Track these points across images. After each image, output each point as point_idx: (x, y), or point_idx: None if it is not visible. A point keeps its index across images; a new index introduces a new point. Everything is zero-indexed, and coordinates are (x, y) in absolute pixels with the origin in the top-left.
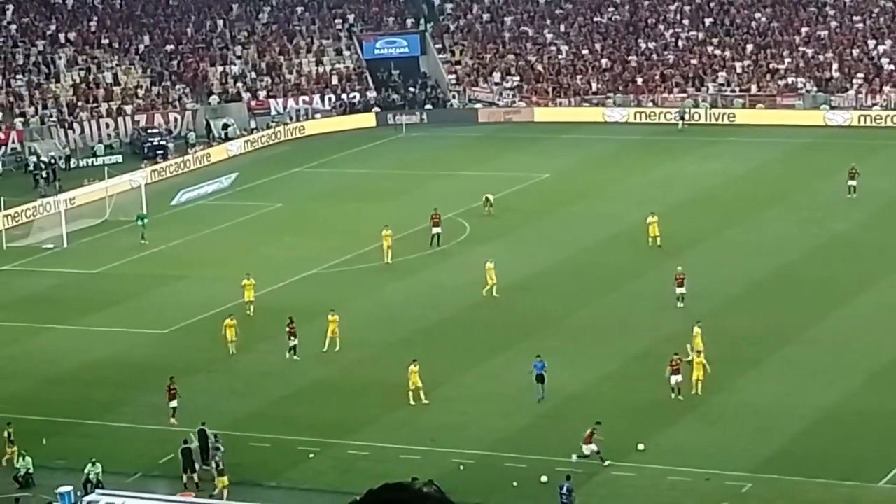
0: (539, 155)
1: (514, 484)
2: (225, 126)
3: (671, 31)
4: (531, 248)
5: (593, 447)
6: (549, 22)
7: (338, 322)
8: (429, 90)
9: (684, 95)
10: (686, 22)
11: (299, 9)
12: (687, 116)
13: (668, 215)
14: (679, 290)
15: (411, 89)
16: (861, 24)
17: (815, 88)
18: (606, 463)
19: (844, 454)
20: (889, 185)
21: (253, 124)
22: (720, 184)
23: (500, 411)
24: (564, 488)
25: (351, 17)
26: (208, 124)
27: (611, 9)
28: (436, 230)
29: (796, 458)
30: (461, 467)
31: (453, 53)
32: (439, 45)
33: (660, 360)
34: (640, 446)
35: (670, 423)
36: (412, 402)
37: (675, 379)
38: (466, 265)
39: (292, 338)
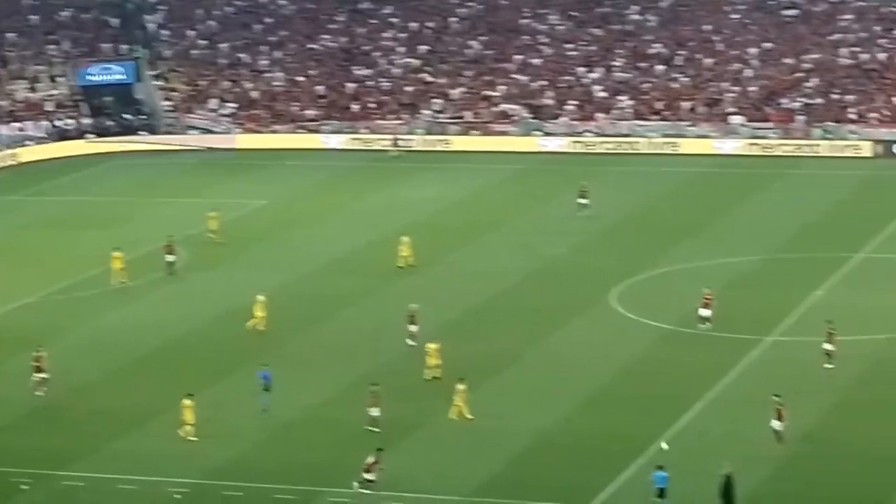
0: (256, 182)
1: None
2: None
3: (386, 58)
4: (249, 275)
5: (372, 476)
6: (264, 48)
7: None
8: (144, 117)
9: (399, 122)
10: (402, 49)
11: (12, 34)
12: (401, 143)
13: (389, 241)
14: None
15: (126, 116)
16: (574, 53)
17: (528, 115)
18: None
19: (557, 478)
20: (601, 211)
21: None
22: (438, 210)
23: (222, 435)
24: None
25: (65, 44)
26: None
27: (326, 36)
28: (170, 258)
29: (512, 482)
30: (176, 496)
31: (167, 80)
32: (155, 72)
33: (381, 384)
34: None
35: (388, 448)
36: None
37: (374, 412)
38: (185, 292)
39: (38, 372)
